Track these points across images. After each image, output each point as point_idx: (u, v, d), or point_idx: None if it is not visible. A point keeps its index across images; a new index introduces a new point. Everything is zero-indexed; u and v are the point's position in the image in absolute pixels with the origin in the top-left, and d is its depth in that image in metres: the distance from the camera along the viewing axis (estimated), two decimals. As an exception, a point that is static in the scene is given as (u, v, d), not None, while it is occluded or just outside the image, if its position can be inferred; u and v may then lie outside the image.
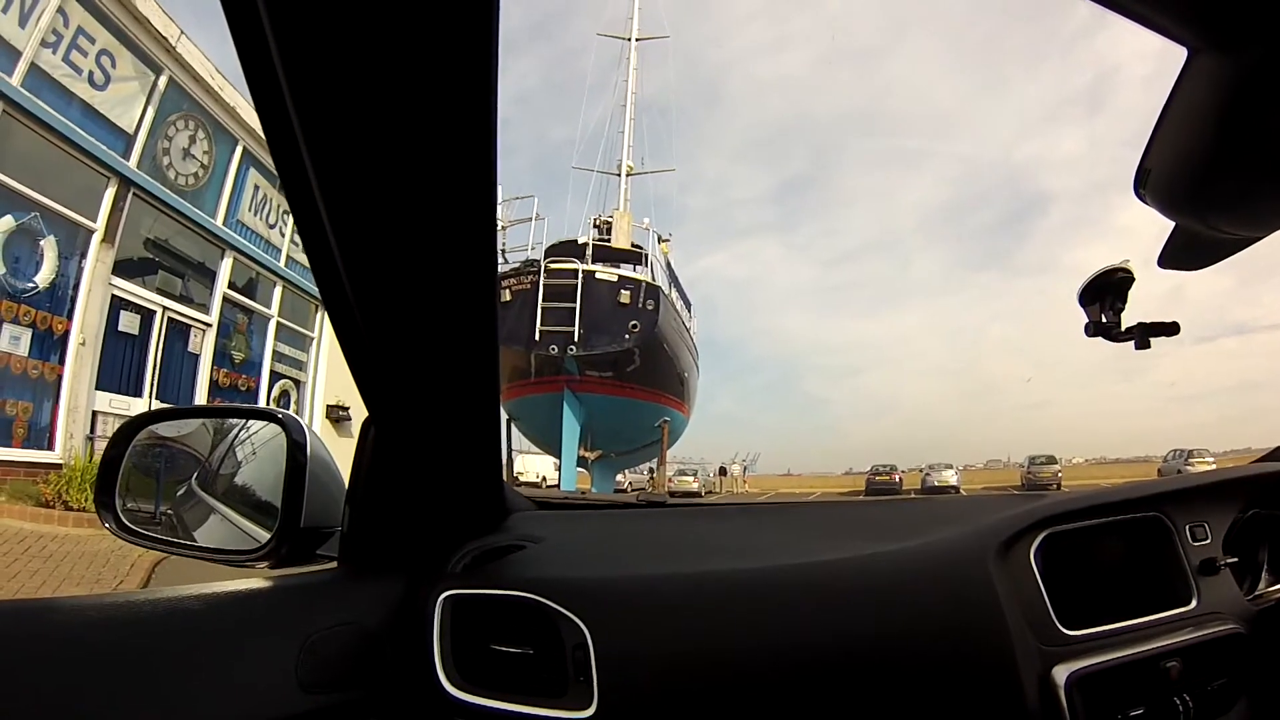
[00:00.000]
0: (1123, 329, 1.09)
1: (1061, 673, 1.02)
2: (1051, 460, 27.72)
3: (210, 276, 11.87)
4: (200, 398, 11.35)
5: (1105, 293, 1.11)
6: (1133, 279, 1.10)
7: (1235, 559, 1.22)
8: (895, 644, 1.02)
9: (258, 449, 1.37)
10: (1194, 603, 1.16)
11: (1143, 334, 1.08)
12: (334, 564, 1.15)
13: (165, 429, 1.59)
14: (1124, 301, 1.10)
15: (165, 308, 10.80)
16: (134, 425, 1.33)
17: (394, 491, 1.12)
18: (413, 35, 0.58)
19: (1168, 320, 1.08)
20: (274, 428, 1.25)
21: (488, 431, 1.08)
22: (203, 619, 0.97)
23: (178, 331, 11.11)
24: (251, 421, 1.48)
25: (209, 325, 11.69)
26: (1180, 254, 0.85)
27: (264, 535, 1.17)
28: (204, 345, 11.59)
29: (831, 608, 1.05)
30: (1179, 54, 0.58)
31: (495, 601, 1.07)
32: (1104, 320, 1.10)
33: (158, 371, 10.62)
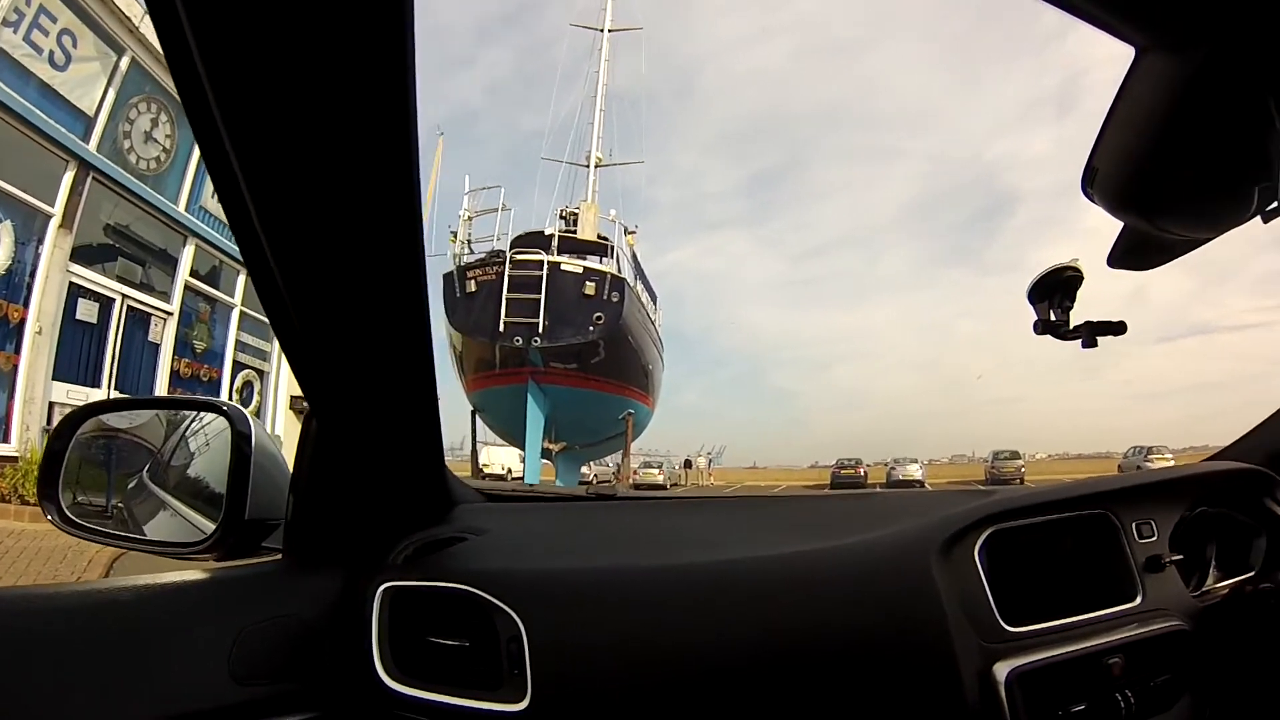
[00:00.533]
0: (1070, 327, 1.10)
1: (1002, 669, 1.02)
2: (1015, 455, 28.13)
3: (172, 264, 11.54)
4: (161, 388, 11.07)
5: (1054, 291, 1.11)
6: (1081, 277, 1.10)
7: (1181, 556, 1.23)
8: (833, 640, 1.03)
9: (210, 440, 1.37)
10: (1139, 599, 1.17)
11: (1090, 333, 1.08)
12: (278, 556, 1.15)
13: (118, 420, 1.59)
14: (1072, 300, 1.10)
15: (125, 295, 10.50)
16: (77, 417, 1.32)
17: (336, 484, 1.13)
18: (325, 20, 0.59)
19: (1115, 319, 1.09)
20: (222, 420, 1.25)
21: (426, 423, 1.09)
22: (136, 611, 0.98)
23: (138, 320, 10.81)
24: (203, 414, 1.47)
25: (170, 314, 11.39)
26: (1129, 254, 0.86)
27: (210, 527, 1.17)
28: (165, 334, 11.29)
29: (769, 603, 1.06)
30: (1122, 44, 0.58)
31: (433, 594, 1.08)
32: (1052, 318, 1.11)
33: (117, 361, 10.33)
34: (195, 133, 0.67)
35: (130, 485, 1.56)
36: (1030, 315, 1.15)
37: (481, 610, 1.05)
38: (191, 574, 1.07)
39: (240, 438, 1.16)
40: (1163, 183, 0.67)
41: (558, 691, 1.01)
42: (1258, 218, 0.68)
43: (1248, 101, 0.56)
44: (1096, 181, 0.69)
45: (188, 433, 1.52)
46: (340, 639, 1.07)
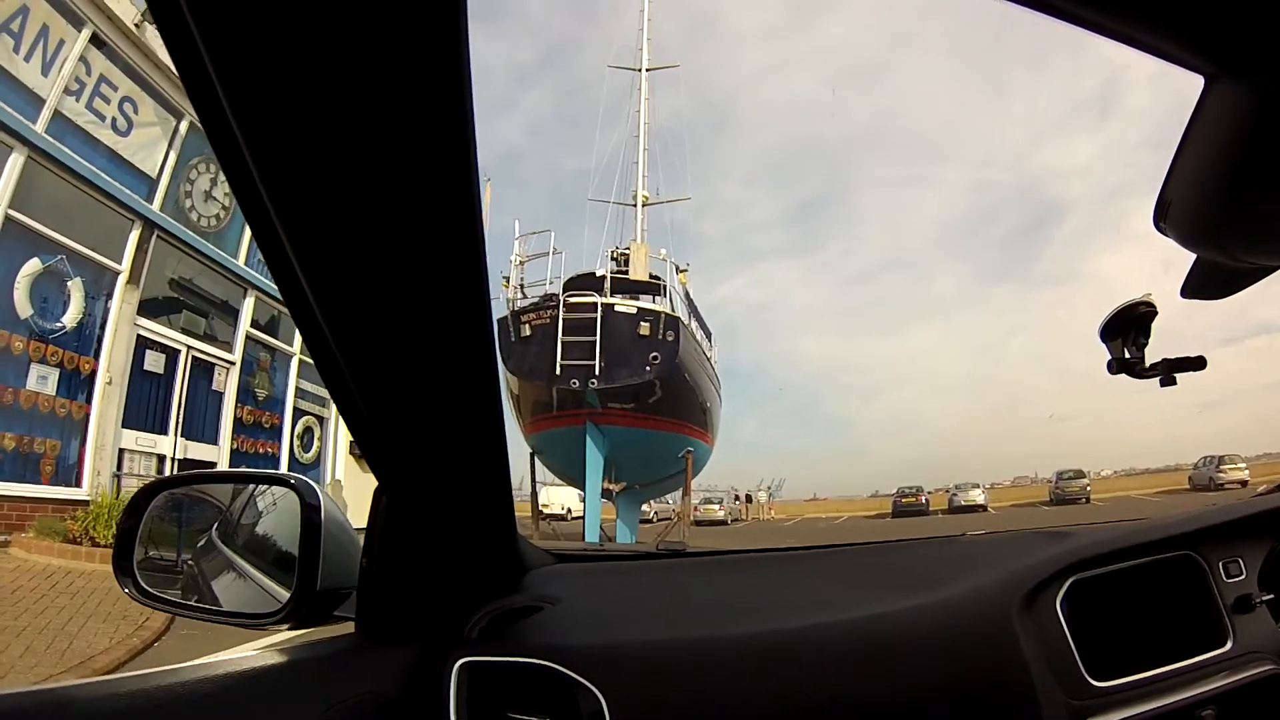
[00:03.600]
0: (1146, 365, 1.05)
1: None
2: (1080, 474, 26.81)
3: (233, 315, 12.07)
4: (225, 434, 11.48)
5: (1127, 328, 1.07)
6: (1155, 313, 1.06)
7: (1272, 595, 1.17)
8: (918, 705, 1.00)
9: (277, 501, 1.38)
10: (1229, 644, 1.12)
11: (1167, 370, 1.03)
12: (350, 624, 1.14)
13: (186, 487, 1.61)
14: (1147, 336, 1.06)
15: (189, 346, 10.98)
16: (148, 493, 1.34)
17: (408, 554, 1.10)
18: (375, 62, 0.53)
19: (1193, 355, 1.03)
20: (288, 490, 1.25)
21: (498, 491, 1.06)
22: (217, 695, 0.95)
23: (202, 370, 11.27)
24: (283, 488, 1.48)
25: (233, 363, 11.86)
26: (1203, 284, 0.82)
27: (281, 593, 1.18)
28: (228, 383, 11.75)
29: (853, 670, 1.03)
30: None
31: (512, 668, 1.06)
32: (1127, 356, 1.06)
33: (183, 409, 10.77)
34: (237, 197, 0.62)
35: (200, 543, 1.58)
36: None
37: (562, 685, 1.03)
38: (270, 654, 1.05)
39: (310, 509, 1.16)
40: (1238, 214, 0.64)
41: None
42: None
43: None
44: (1169, 215, 0.66)
45: (256, 493, 1.55)
46: (419, 715, 1.05)
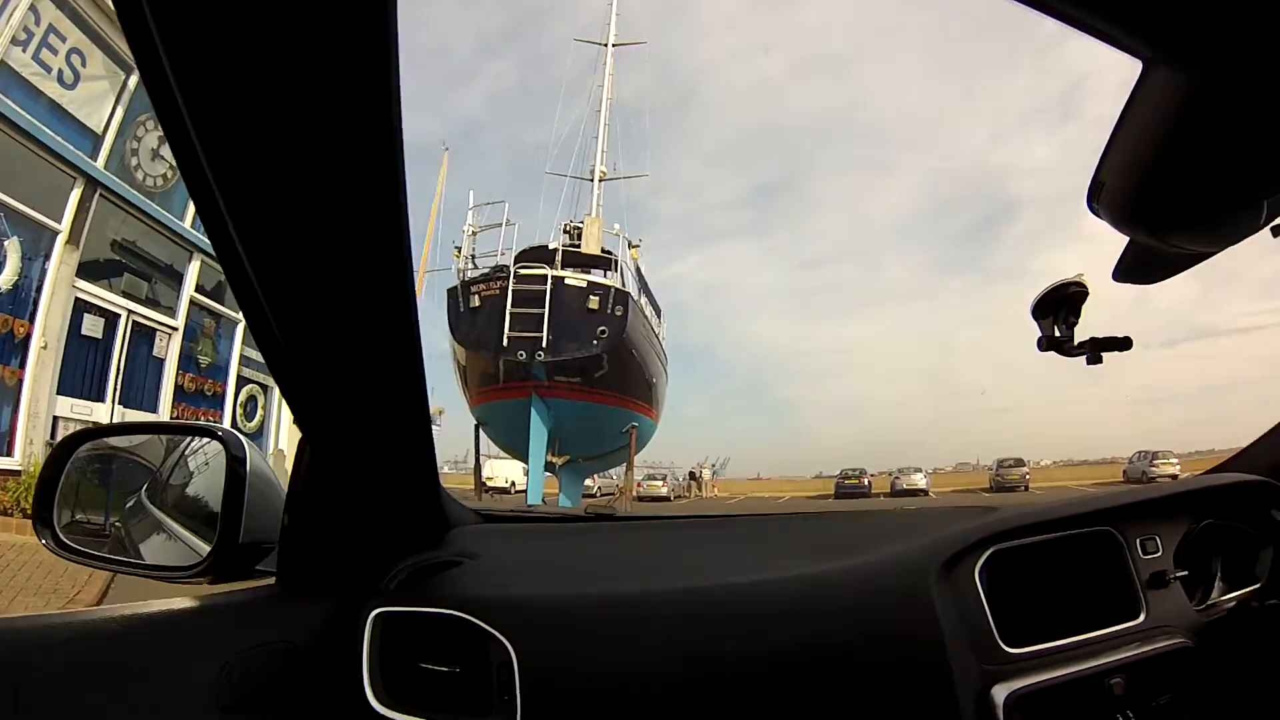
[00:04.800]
0: (1075, 343, 1.08)
1: (1001, 692, 1.02)
2: (1020, 463, 27.83)
3: (177, 279, 11.62)
4: (165, 402, 11.11)
5: (1058, 307, 1.09)
6: (1086, 293, 1.09)
7: (1186, 572, 1.22)
8: (831, 663, 1.02)
9: (210, 461, 1.36)
10: (1142, 617, 1.16)
11: (1094, 349, 1.07)
12: (273, 580, 1.15)
13: (117, 439, 1.60)
14: (1077, 316, 1.09)
15: (130, 311, 10.56)
16: (70, 443, 1.32)
17: (330, 508, 1.12)
18: (303, 35, 0.57)
19: (1121, 335, 1.08)
20: (215, 442, 1.24)
21: (419, 447, 1.08)
22: (122, 640, 0.96)
23: (142, 335, 10.86)
24: (196, 437, 1.47)
25: (175, 329, 11.45)
26: (1135, 268, 0.84)
27: (205, 548, 1.17)
28: (170, 349, 11.35)
29: (767, 627, 1.05)
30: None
31: (425, 619, 1.07)
32: (1056, 334, 1.09)
33: (121, 376, 10.38)
34: (175, 154, 0.66)
35: (129, 504, 1.56)
36: (1035, 323, 1.14)
37: (473, 636, 1.04)
38: (180, 601, 1.06)
39: (235, 462, 1.16)
40: (1170, 198, 0.65)
41: (548, 717, 1.00)
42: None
43: (1257, 115, 0.55)
44: (1103, 196, 0.67)
45: (186, 453, 1.51)
46: (331, 665, 1.06)
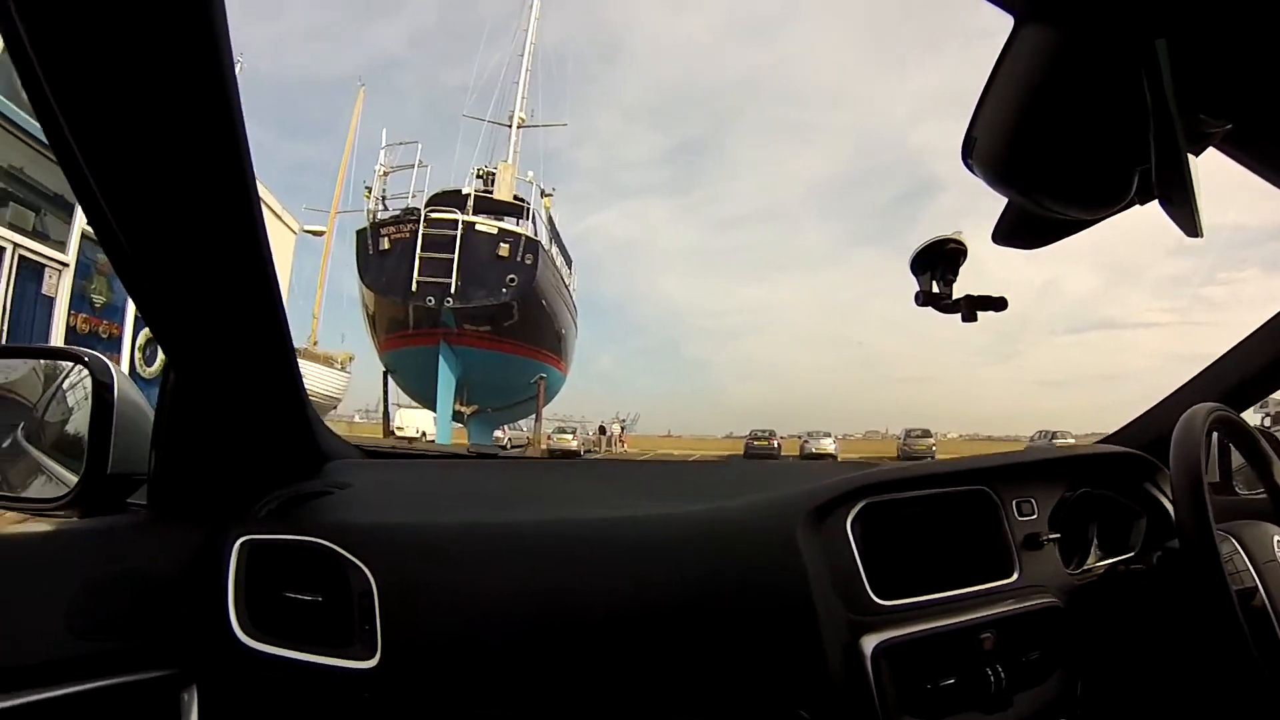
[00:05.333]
0: (952, 299, 1.07)
1: (869, 642, 1.03)
2: (927, 434, 28.75)
3: (69, 211, 10.64)
4: (57, 344, 10.32)
5: (936, 262, 1.09)
6: (964, 251, 1.09)
7: (1059, 535, 1.25)
8: (694, 601, 1.03)
9: (76, 385, 1.30)
10: (1015, 576, 1.19)
11: (969, 306, 1.06)
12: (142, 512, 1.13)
13: None
14: (955, 274, 1.09)
15: (16, 244, 9.65)
16: None
17: (198, 436, 1.10)
18: None
19: (997, 295, 1.07)
20: (80, 367, 1.20)
21: (284, 375, 1.08)
22: None
23: (30, 271, 9.95)
24: (70, 364, 1.38)
25: (66, 265, 10.54)
26: (1014, 231, 0.82)
27: (73, 479, 1.12)
28: (60, 287, 10.46)
29: (631, 560, 1.06)
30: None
31: (291, 548, 1.06)
32: (934, 290, 1.09)
33: (7, 314, 9.52)
34: (15, 64, 0.66)
35: (4, 444, 1.48)
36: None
37: (338, 565, 1.03)
38: (37, 526, 1.05)
39: (101, 388, 1.12)
40: (1039, 158, 0.65)
41: (408, 647, 1.00)
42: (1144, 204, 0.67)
43: (1124, 80, 0.54)
44: (975, 152, 0.66)
45: (65, 387, 1.42)
46: (197, 594, 1.05)
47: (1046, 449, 1.49)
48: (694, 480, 1.43)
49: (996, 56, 0.60)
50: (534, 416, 21.84)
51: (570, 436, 27.61)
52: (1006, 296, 1.05)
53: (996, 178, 0.68)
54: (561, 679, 1.01)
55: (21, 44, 0.62)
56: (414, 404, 23.47)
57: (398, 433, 22.46)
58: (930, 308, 1.08)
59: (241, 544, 1.06)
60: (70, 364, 1.33)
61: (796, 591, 1.03)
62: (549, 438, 24.41)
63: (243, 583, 1.05)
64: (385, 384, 20.52)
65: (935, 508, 1.20)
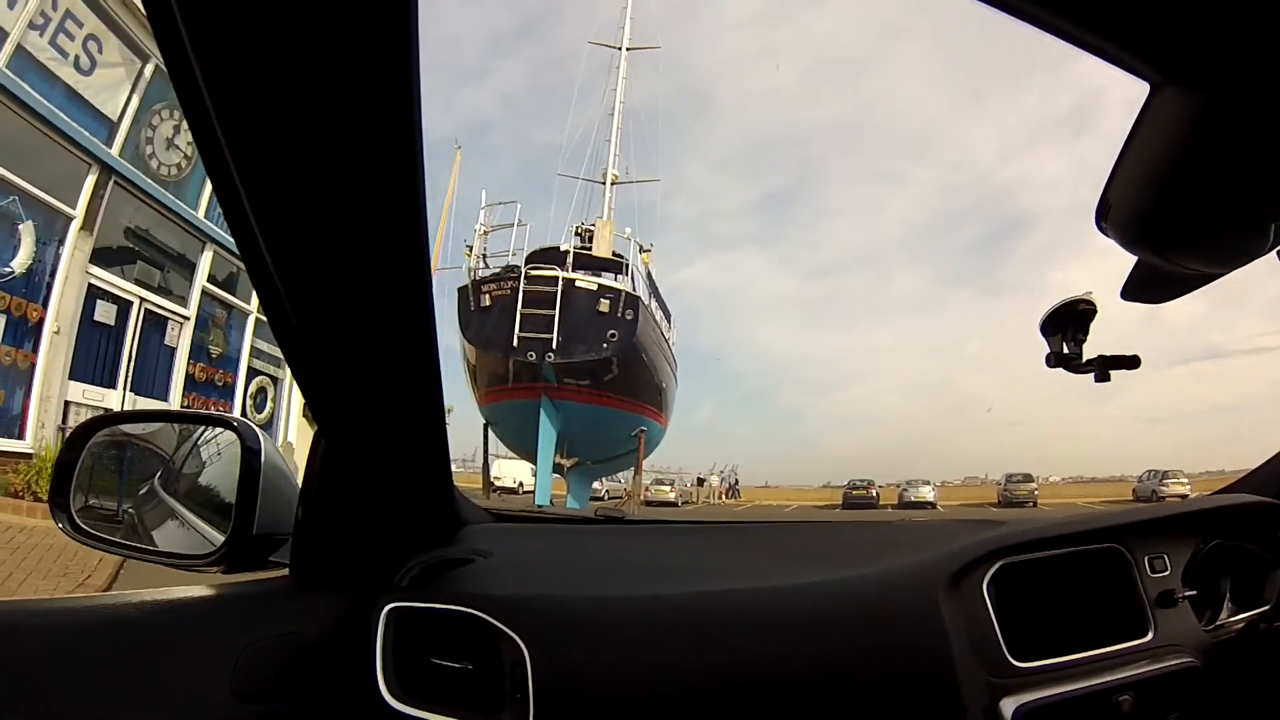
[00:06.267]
0: (1084, 360, 1.08)
1: (1009, 705, 1.03)
2: (1029, 478, 27.68)
3: (190, 269, 11.72)
4: (176, 391, 11.19)
5: (1067, 324, 1.10)
6: (1094, 311, 1.09)
7: (1194, 591, 1.22)
8: (839, 672, 1.03)
9: (222, 450, 1.36)
10: (1150, 635, 1.16)
11: (1103, 366, 1.07)
12: (286, 571, 1.16)
13: (131, 426, 1.60)
14: (1085, 333, 1.09)
15: (143, 299, 10.66)
16: (89, 428, 1.33)
17: (344, 502, 1.12)
18: (325, 30, 0.57)
19: (1129, 354, 1.07)
20: (230, 433, 1.25)
21: (434, 444, 1.08)
22: (141, 625, 0.97)
23: (155, 323, 10.95)
24: (210, 427, 1.48)
25: (187, 318, 11.54)
26: (1143, 287, 0.84)
27: (219, 538, 1.18)
28: (181, 338, 11.43)
29: (776, 634, 1.05)
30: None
31: (438, 616, 1.07)
32: (1065, 351, 1.09)
33: (133, 363, 10.47)
34: (198, 144, 0.66)
35: (141, 491, 1.57)
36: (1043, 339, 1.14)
37: (486, 634, 1.04)
38: (196, 588, 1.06)
39: (250, 453, 1.17)
40: (1176, 219, 0.66)
41: (559, 717, 1.00)
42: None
43: (1262, 137, 0.55)
44: (1110, 216, 0.68)
45: (200, 442, 1.52)
46: (344, 658, 1.06)
47: (1180, 503, 1.43)
48: (827, 543, 1.45)
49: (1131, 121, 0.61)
50: (634, 469, 21.81)
51: (668, 488, 27.67)
52: (1139, 355, 1.06)
53: (1133, 239, 0.71)
54: None
55: (217, 147, 0.64)
56: (512, 455, 23.94)
57: (495, 483, 22.92)
58: (1062, 369, 1.10)
59: (389, 610, 1.07)
60: (213, 427, 1.46)
61: (939, 656, 1.05)
62: (647, 489, 24.32)
63: (390, 648, 1.06)
64: (485, 436, 21.08)
65: (1066, 566, 1.21)
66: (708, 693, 1.01)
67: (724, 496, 32.30)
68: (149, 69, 10.31)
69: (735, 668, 1.02)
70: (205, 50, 0.57)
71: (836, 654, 1.04)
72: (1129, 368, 1.07)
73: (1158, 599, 1.19)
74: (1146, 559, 1.22)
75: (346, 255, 0.76)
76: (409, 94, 0.62)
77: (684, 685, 1.01)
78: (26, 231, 8.73)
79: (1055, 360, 1.09)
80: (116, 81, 9.97)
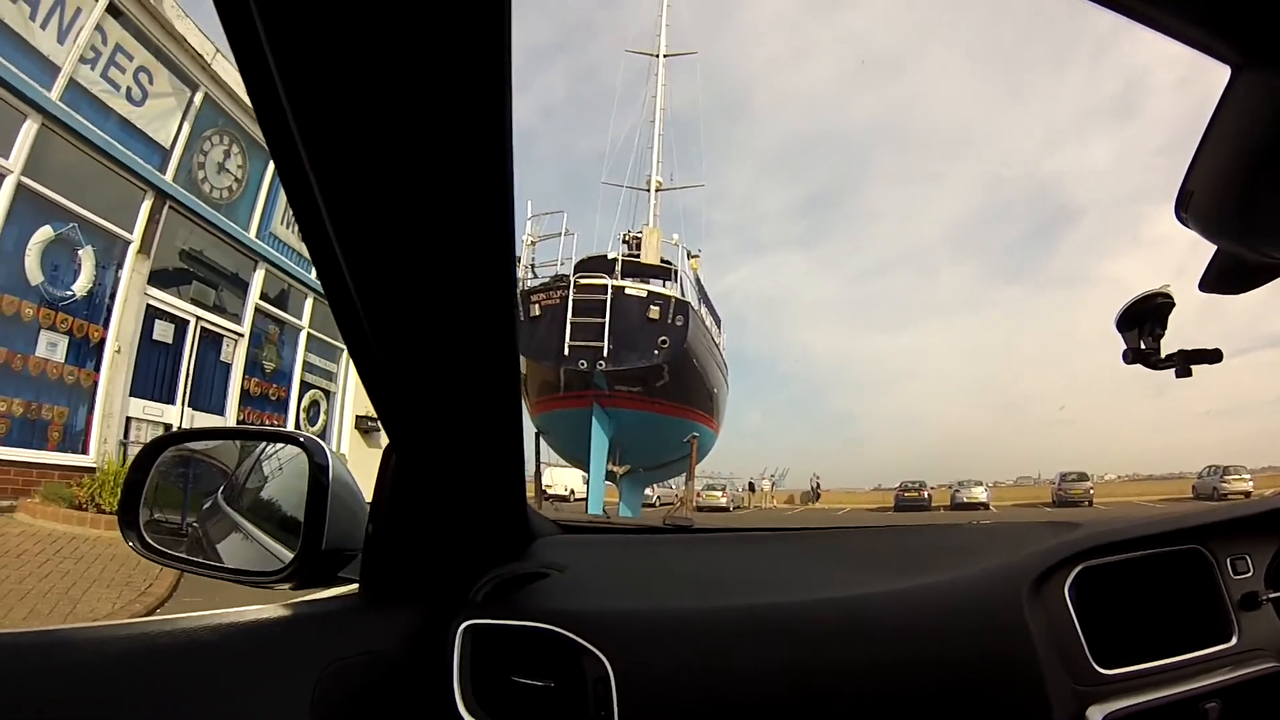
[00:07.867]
0: (1162, 356, 1.04)
1: (1096, 714, 1.01)
2: (1083, 477, 26.75)
3: (243, 287, 12.11)
4: (232, 406, 11.55)
5: (1144, 319, 1.06)
6: (1172, 304, 1.05)
7: (1278, 594, 1.18)
8: (926, 683, 1.01)
9: (284, 465, 1.38)
10: (1234, 639, 1.13)
11: (1184, 361, 1.03)
12: (355, 586, 1.14)
13: (195, 443, 1.65)
14: (1163, 328, 1.06)
15: (199, 317, 11.04)
16: (156, 447, 1.33)
17: (415, 517, 1.10)
18: (419, 40, 0.54)
19: (1211, 347, 1.04)
20: (294, 447, 1.25)
21: (509, 457, 1.05)
22: (218, 647, 0.96)
23: (210, 341, 11.34)
24: (273, 443, 1.49)
25: (241, 335, 11.91)
26: (1223, 277, 0.81)
27: (286, 555, 1.17)
28: (236, 355, 11.82)
29: (861, 645, 1.03)
30: (1211, 59, 0.54)
31: (516, 632, 1.05)
32: (1143, 347, 1.06)
33: (190, 380, 10.84)
34: (273, 155, 0.64)
35: (205, 506, 1.58)
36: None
37: (567, 650, 1.02)
38: (272, 608, 1.06)
39: (318, 469, 1.16)
40: (1264, 205, 0.63)
41: None
42: None
43: None
44: (1191, 206, 0.66)
45: (262, 457, 1.55)
46: (421, 677, 1.06)
47: (1261, 501, 1.35)
48: (900, 549, 1.42)
49: (1212, 108, 0.60)
50: (686, 475, 21.67)
51: (720, 493, 27.43)
52: (1220, 349, 1.04)
53: (1216, 229, 0.70)
54: None
55: (296, 158, 0.63)
56: (562, 463, 24.04)
57: (547, 490, 23.01)
58: (1140, 365, 1.08)
59: (465, 628, 1.06)
60: (277, 443, 1.48)
61: (1026, 664, 1.04)
62: (699, 494, 24.13)
63: (468, 666, 1.05)
64: (537, 444, 21.16)
65: (1147, 568, 1.19)
66: (796, 706, 1.00)
67: (775, 501, 31.75)
68: (198, 97, 10.72)
69: (822, 680, 1.01)
70: (286, 54, 0.55)
71: (923, 664, 1.02)
72: (1211, 362, 1.03)
73: (1241, 601, 1.16)
74: (1229, 560, 1.19)
75: (432, 268, 0.73)
76: (501, 95, 0.59)
77: (772, 699, 1.00)
78: (86, 256, 9.14)
79: (1133, 356, 1.06)
80: (168, 110, 10.37)
